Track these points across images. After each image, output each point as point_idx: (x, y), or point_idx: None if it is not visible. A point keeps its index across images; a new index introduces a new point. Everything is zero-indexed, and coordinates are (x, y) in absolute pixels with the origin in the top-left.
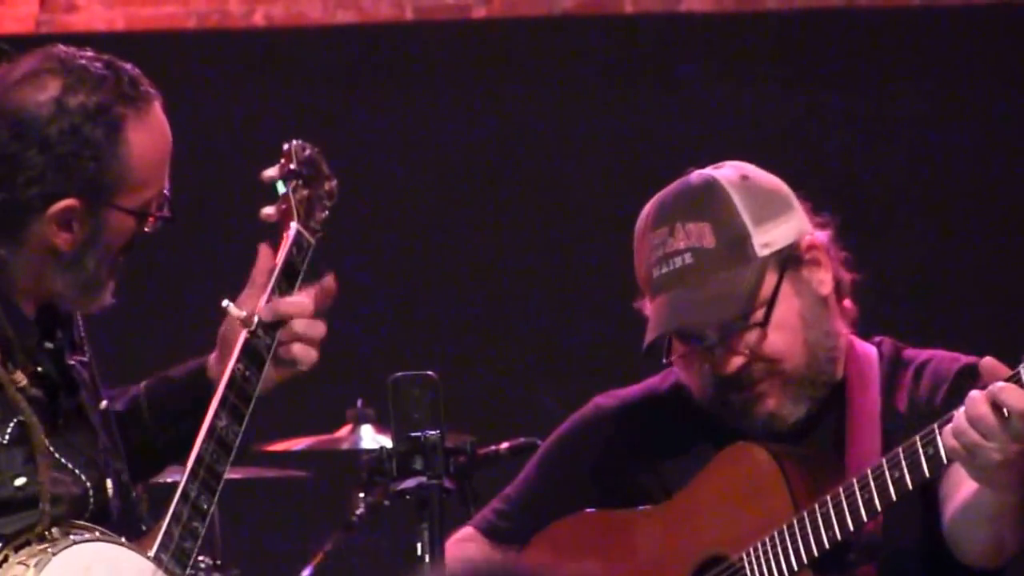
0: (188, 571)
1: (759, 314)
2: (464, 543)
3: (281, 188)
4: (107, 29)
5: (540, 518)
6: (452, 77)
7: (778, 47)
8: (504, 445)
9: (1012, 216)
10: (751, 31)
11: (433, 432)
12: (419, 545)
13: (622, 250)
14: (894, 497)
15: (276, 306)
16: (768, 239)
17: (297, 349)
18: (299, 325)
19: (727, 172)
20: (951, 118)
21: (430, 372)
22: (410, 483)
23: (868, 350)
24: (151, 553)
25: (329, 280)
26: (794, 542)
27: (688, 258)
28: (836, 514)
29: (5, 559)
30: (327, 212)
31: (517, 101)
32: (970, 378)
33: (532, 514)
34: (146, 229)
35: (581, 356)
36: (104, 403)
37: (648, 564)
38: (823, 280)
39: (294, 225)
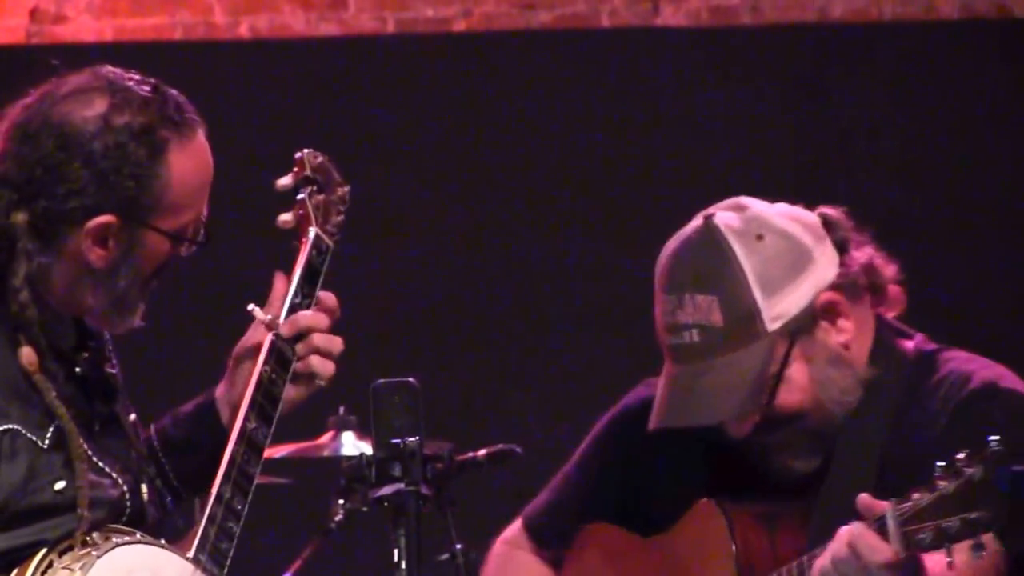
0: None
1: (764, 395)
2: (512, 551)
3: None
4: (95, 40)
5: (581, 517)
6: (432, 89)
7: (753, 61)
8: (482, 452)
9: (987, 223)
10: (726, 45)
11: (412, 439)
12: (396, 552)
13: (602, 259)
14: None
15: (296, 320)
16: (779, 310)
17: (315, 361)
18: (318, 339)
19: (743, 228)
20: (922, 130)
21: (411, 379)
22: (387, 490)
23: (901, 355)
24: (190, 554)
25: (328, 297)
26: None
27: (695, 335)
28: None
29: (50, 564)
30: (342, 216)
31: (496, 113)
32: (985, 401)
33: (572, 515)
34: (181, 252)
35: (561, 363)
36: (133, 416)
37: None
38: (842, 329)
39: (313, 229)
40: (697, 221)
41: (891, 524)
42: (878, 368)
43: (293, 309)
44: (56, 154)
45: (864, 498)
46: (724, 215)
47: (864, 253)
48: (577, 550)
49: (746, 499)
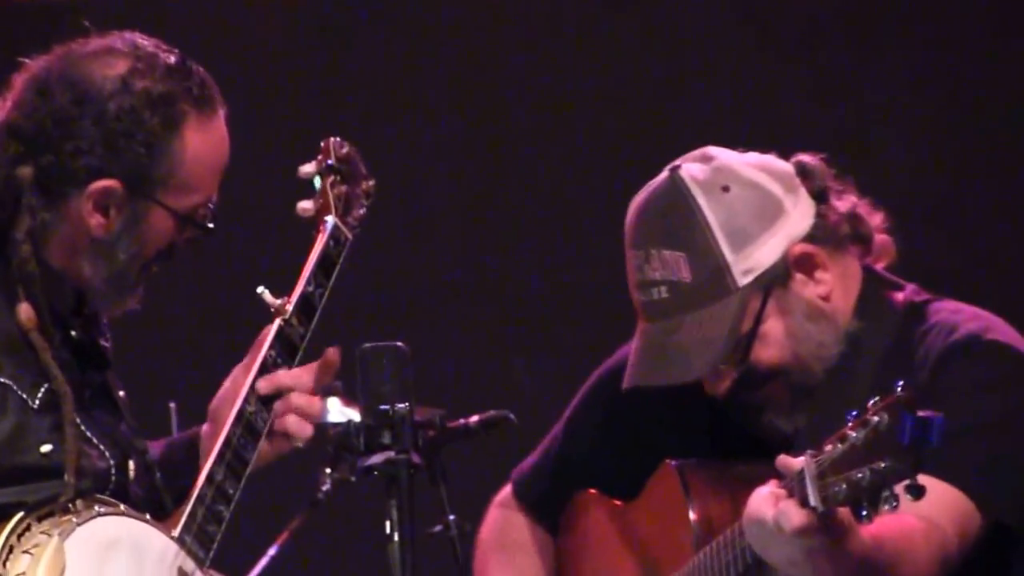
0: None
1: (738, 351)
2: (509, 513)
3: (317, 183)
4: None
5: (566, 481)
6: (416, 44)
7: (744, 13)
8: (474, 418)
9: (989, 180)
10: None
11: (402, 405)
12: (387, 523)
13: (594, 218)
14: None
15: (276, 379)
16: (750, 264)
17: (291, 421)
18: (297, 399)
19: (708, 179)
20: (924, 77)
21: (399, 343)
22: (377, 459)
23: (889, 307)
24: (175, 533)
25: (332, 353)
26: None
27: (664, 291)
28: (709, 572)
29: (28, 528)
30: (365, 210)
31: (482, 67)
32: (965, 353)
33: (558, 478)
34: (186, 237)
35: (553, 326)
36: (123, 393)
37: (613, 571)
38: (820, 281)
39: (330, 219)
40: (663, 174)
41: (808, 478)
42: (864, 320)
43: (305, 299)
44: (69, 109)
45: (782, 457)
46: (690, 166)
47: (846, 202)
48: (569, 520)
49: (732, 460)
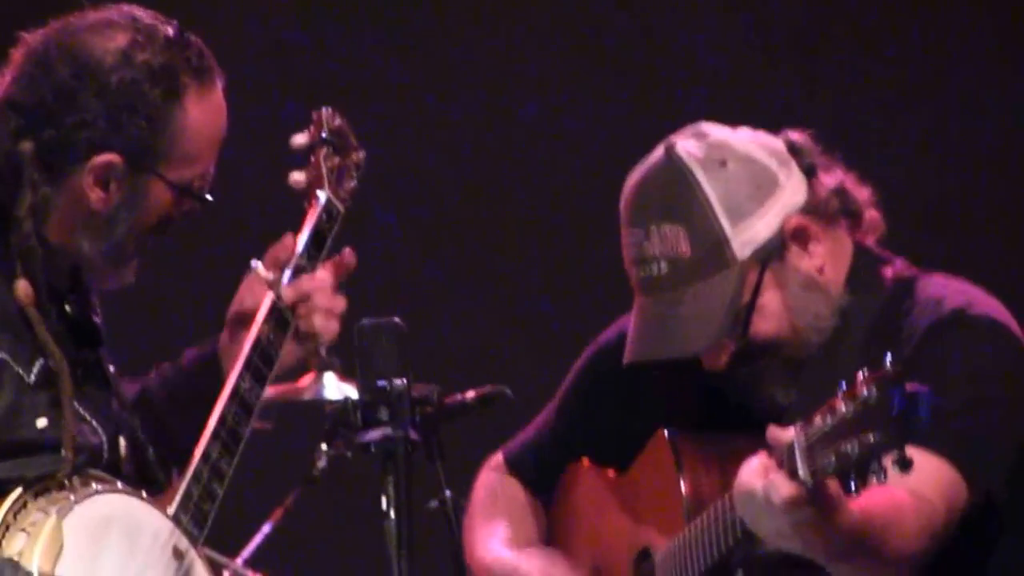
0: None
1: (738, 324)
2: (501, 477)
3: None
4: None
5: (560, 455)
6: (410, 20)
7: None
8: (471, 393)
9: (990, 174)
10: None
11: (399, 381)
12: (384, 499)
13: (590, 193)
14: (724, 551)
15: (299, 285)
16: (748, 236)
17: (318, 320)
18: (320, 299)
19: (705, 155)
20: (922, 71)
21: (396, 319)
22: (374, 434)
23: (879, 281)
24: (170, 511)
25: (348, 254)
26: (682, 560)
27: (663, 267)
28: (699, 544)
29: (24, 505)
30: (355, 182)
31: (478, 48)
32: (951, 328)
33: (551, 452)
34: (184, 209)
35: (549, 300)
36: (112, 368)
37: (605, 541)
38: (814, 253)
39: (323, 192)
40: (658, 151)
41: (798, 450)
42: (855, 295)
43: (298, 271)
44: (70, 83)
45: (772, 429)
46: (685, 143)
47: (834, 177)
48: (561, 489)
49: (725, 432)
